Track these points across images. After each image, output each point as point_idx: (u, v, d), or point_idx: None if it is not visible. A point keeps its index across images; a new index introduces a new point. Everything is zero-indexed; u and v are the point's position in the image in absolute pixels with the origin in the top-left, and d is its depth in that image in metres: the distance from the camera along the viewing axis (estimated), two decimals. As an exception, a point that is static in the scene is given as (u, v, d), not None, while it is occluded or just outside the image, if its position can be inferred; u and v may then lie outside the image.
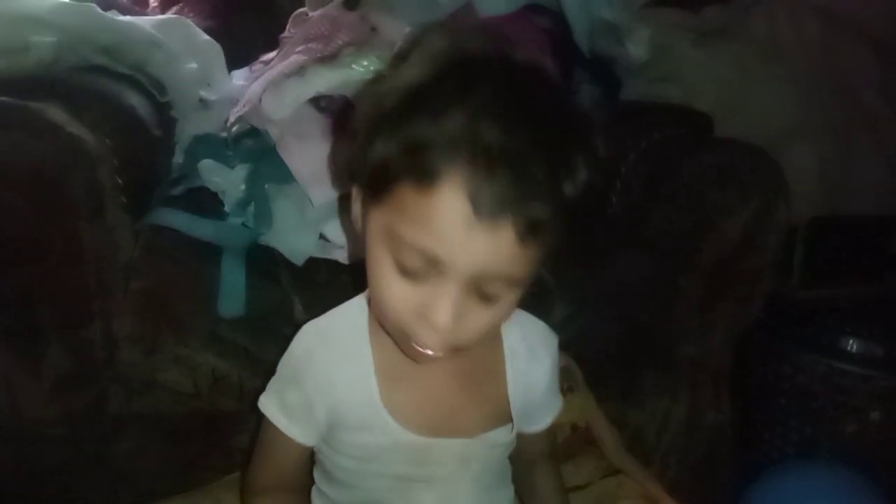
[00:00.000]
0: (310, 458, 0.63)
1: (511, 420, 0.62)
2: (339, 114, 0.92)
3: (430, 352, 0.52)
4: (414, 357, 0.54)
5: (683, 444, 1.06)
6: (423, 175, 0.46)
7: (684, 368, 1.03)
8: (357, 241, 0.87)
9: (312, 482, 0.65)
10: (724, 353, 1.06)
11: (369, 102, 0.51)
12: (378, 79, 0.55)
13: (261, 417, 0.61)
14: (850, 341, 1.11)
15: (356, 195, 0.55)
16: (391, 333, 0.55)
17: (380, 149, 0.48)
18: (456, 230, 0.46)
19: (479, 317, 0.51)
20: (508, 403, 0.62)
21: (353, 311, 0.61)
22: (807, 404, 1.16)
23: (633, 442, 1.01)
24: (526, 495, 0.68)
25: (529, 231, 0.46)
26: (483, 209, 0.45)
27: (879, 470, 1.09)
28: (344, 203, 0.90)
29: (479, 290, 0.49)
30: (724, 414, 1.08)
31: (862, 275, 1.25)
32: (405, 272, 0.49)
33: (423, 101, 0.47)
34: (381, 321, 0.56)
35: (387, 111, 0.48)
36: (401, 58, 0.52)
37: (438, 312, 0.49)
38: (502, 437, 0.62)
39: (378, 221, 0.51)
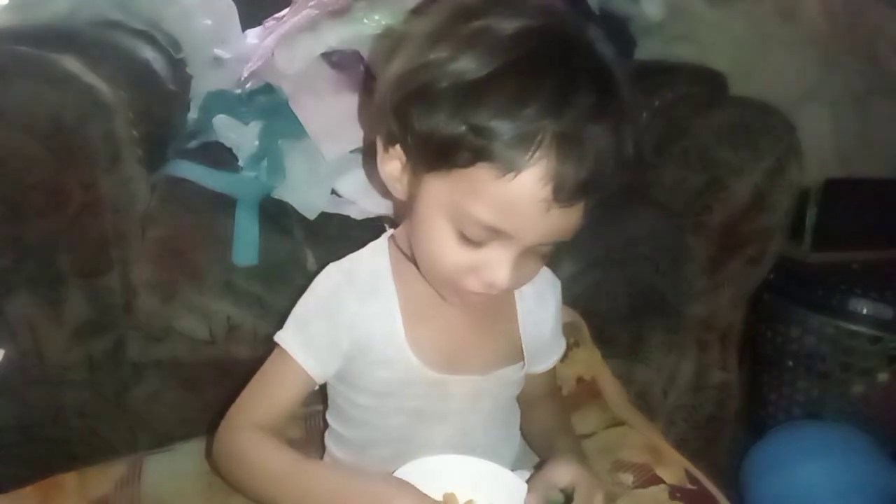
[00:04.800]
0: (297, 409, 0.63)
1: (522, 358, 0.64)
2: (359, 72, 0.93)
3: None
4: (453, 300, 0.58)
5: (690, 402, 1.08)
6: (505, 163, 0.47)
7: (692, 328, 1.03)
8: (373, 199, 0.88)
9: (324, 426, 0.68)
10: (733, 313, 1.07)
11: (407, 70, 0.52)
12: (401, 38, 0.55)
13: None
14: (860, 303, 1.12)
15: (395, 159, 0.56)
16: (434, 283, 0.58)
17: (442, 126, 0.49)
18: (533, 213, 0.49)
19: (530, 269, 0.56)
20: (520, 342, 0.64)
21: (374, 254, 0.63)
22: (814, 366, 1.17)
23: (639, 399, 1.02)
24: (531, 433, 0.69)
25: (598, 204, 0.51)
26: (563, 195, 0.48)
27: (885, 430, 1.10)
28: (360, 160, 0.91)
29: (535, 250, 0.53)
30: (730, 373, 1.09)
31: (875, 238, 1.24)
32: (465, 240, 0.52)
33: (496, 92, 0.47)
34: (426, 274, 0.58)
35: (444, 91, 0.49)
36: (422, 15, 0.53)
37: (498, 275, 0.53)
38: (513, 374, 0.64)
39: (439, 192, 0.52)
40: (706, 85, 1.08)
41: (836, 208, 1.21)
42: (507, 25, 0.49)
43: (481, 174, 0.49)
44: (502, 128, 0.47)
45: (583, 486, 0.57)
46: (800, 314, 1.18)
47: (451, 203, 0.51)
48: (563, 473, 0.58)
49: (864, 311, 1.11)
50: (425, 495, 0.51)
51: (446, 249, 0.53)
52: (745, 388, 1.17)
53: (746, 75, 1.27)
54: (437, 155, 0.51)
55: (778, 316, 1.22)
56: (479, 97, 0.48)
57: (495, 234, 0.51)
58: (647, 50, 1.24)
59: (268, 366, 0.61)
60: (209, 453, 0.64)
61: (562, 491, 0.59)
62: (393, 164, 0.57)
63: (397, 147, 0.55)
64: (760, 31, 1.35)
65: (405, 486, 0.52)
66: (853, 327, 1.12)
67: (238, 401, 0.60)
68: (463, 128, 0.48)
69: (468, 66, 0.48)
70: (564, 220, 0.50)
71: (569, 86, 0.47)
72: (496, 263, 0.52)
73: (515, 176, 0.48)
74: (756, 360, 1.29)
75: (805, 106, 1.34)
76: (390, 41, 0.58)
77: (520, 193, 0.48)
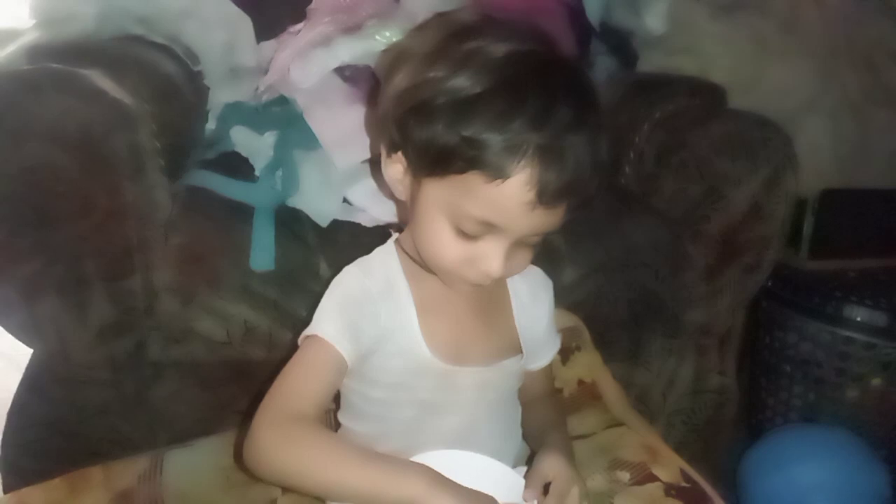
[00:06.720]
0: (332, 397, 0.65)
1: (521, 350, 0.69)
2: (370, 86, 0.96)
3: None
4: (459, 287, 0.63)
5: (688, 405, 1.10)
6: (494, 171, 0.54)
7: (691, 333, 1.06)
8: (383, 206, 0.92)
9: (335, 426, 0.71)
10: (731, 319, 1.09)
11: (407, 87, 0.58)
12: (402, 53, 0.61)
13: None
14: (855, 310, 1.14)
15: (397, 163, 0.62)
16: (439, 273, 0.63)
17: (439, 137, 0.55)
18: (520, 211, 0.55)
19: (521, 258, 0.62)
20: (517, 334, 0.69)
21: (385, 257, 0.67)
22: (810, 371, 1.19)
23: (639, 402, 1.05)
24: (529, 431, 0.72)
25: (580, 205, 0.58)
26: (547, 198, 0.55)
27: (879, 435, 1.13)
28: (370, 169, 0.94)
29: (524, 241, 0.59)
30: (728, 378, 1.12)
31: (871, 247, 1.27)
32: (461, 234, 0.58)
33: (486, 109, 0.53)
34: (430, 266, 0.63)
35: (441, 106, 0.55)
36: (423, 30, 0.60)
37: (493, 264, 0.59)
38: (514, 365, 0.69)
39: (436, 194, 0.58)
40: (706, 97, 1.12)
41: (832, 217, 1.23)
42: (498, 49, 0.55)
43: (474, 179, 0.55)
44: (492, 140, 0.53)
45: (559, 479, 0.60)
46: (797, 320, 1.20)
47: (447, 203, 0.58)
48: (547, 466, 0.61)
49: (859, 319, 1.14)
50: None
51: (445, 244, 0.59)
52: (744, 392, 1.20)
53: (747, 87, 1.30)
54: (434, 162, 0.57)
55: (776, 322, 1.25)
56: (472, 112, 0.54)
57: (488, 227, 0.57)
58: (650, 62, 1.27)
59: (301, 357, 0.61)
60: (237, 451, 0.64)
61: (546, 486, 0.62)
62: (395, 168, 0.63)
63: (399, 153, 0.61)
64: (761, 44, 1.37)
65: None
66: (848, 334, 1.14)
67: (276, 393, 0.59)
68: (457, 139, 0.54)
69: (462, 84, 0.55)
70: (548, 218, 0.57)
71: (550, 103, 0.54)
72: (490, 254, 0.59)
73: (503, 182, 0.54)
74: (755, 365, 1.32)
75: (804, 116, 1.37)
76: (392, 55, 0.64)
77: (507, 196, 0.55)
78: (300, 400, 0.59)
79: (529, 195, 0.54)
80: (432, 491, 0.52)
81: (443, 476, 0.54)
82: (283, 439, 0.56)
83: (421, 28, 0.65)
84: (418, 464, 0.56)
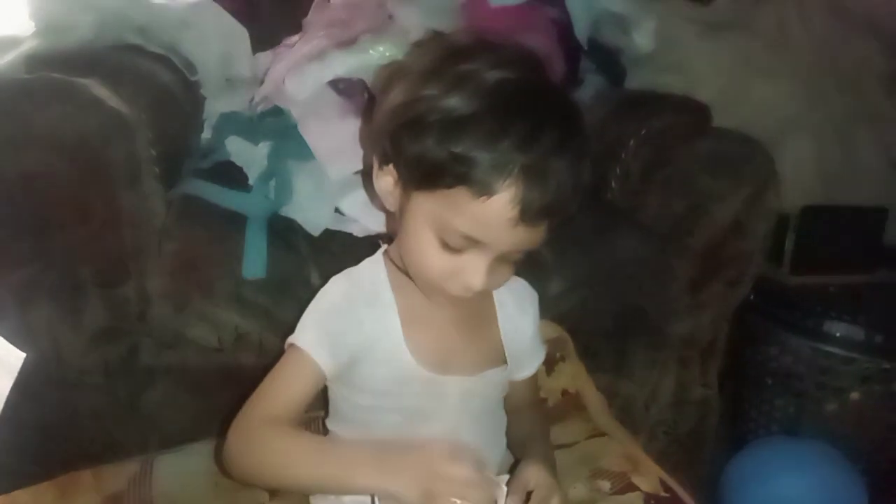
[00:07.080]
0: (309, 404, 0.66)
1: (505, 361, 0.71)
2: (363, 99, 0.99)
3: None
4: (439, 300, 0.64)
5: (671, 416, 1.12)
6: (481, 187, 0.56)
7: (674, 345, 1.08)
8: (374, 217, 0.93)
9: (324, 432, 0.72)
10: (714, 331, 1.11)
11: (402, 102, 0.60)
12: (400, 70, 0.64)
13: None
14: (835, 325, 1.17)
15: (388, 175, 0.64)
16: (421, 285, 0.65)
17: (429, 153, 0.57)
18: (503, 227, 0.57)
19: (502, 273, 0.63)
20: (502, 345, 0.71)
21: (372, 267, 0.69)
22: (792, 384, 1.22)
23: (622, 413, 1.07)
24: (513, 440, 0.74)
25: (560, 224, 0.60)
26: (529, 216, 0.57)
27: (857, 447, 1.15)
28: (362, 181, 0.96)
29: (505, 256, 0.61)
30: (710, 390, 1.14)
31: (852, 264, 1.30)
32: (446, 247, 0.60)
33: (476, 128, 0.56)
34: (414, 277, 0.65)
35: (433, 123, 0.57)
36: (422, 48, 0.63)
37: (475, 278, 0.60)
38: (499, 375, 0.71)
39: (424, 207, 0.60)
40: (691, 115, 1.14)
41: (813, 233, 1.26)
42: (491, 75, 0.58)
43: (461, 195, 0.57)
44: (480, 158, 0.56)
45: (540, 488, 0.62)
46: (779, 334, 1.23)
47: (434, 216, 0.60)
48: (529, 475, 0.63)
49: (838, 334, 1.16)
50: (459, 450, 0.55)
51: (430, 256, 0.61)
52: (727, 404, 1.22)
53: (733, 104, 1.32)
54: (423, 176, 0.59)
55: (759, 335, 1.27)
56: (462, 131, 0.56)
57: (472, 242, 0.59)
58: (638, 79, 1.30)
59: (280, 365, 0.64)
60: (218, 455, 0.67)
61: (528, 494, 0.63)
62: (386, 180, 0.65)
63: (390, 166, 0.64)
64: (747, 63, 1.40)
65: (438, 444, 0.56)
66: (828, 348, 1.17)
67: (252, 400, 0.63)
68: (447, 155, 0.56)
69: (455, 104, 0.57)
70: (530, 235, 0.59)
71: (537, 127, 0.56)
72: (473, 268, 0.60)
73: (489, 198, 0.56)
74: (738, 378, 1.34)
75: (788, 135, 1.40)
76: (390, 71, 0.67)
77: (492, 212, 0.57)
78: (272, 406, 0.62)
79: (513, 212, 0.56)
80: (382, 477, 0.55)
81: (394, 456, 0.56)
82: (248, 441, 0.60)
83: (419, 46, 0.68)
84: (370, 450, 0.58)
